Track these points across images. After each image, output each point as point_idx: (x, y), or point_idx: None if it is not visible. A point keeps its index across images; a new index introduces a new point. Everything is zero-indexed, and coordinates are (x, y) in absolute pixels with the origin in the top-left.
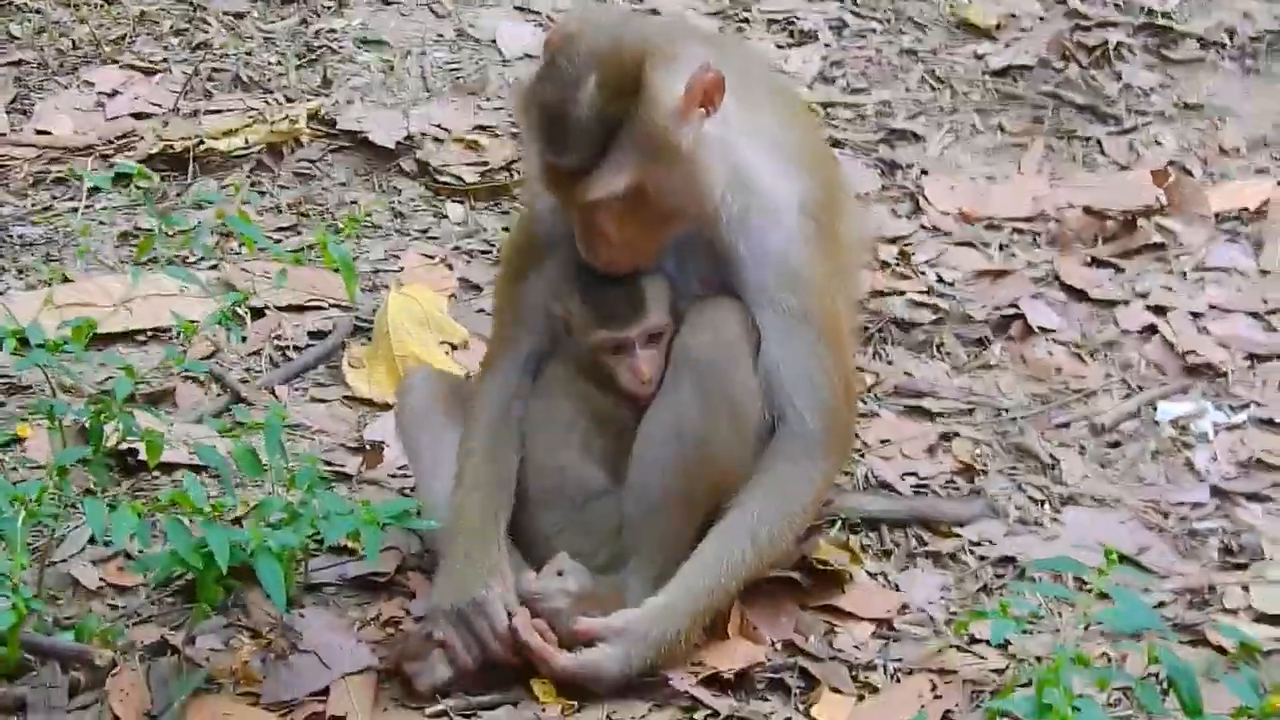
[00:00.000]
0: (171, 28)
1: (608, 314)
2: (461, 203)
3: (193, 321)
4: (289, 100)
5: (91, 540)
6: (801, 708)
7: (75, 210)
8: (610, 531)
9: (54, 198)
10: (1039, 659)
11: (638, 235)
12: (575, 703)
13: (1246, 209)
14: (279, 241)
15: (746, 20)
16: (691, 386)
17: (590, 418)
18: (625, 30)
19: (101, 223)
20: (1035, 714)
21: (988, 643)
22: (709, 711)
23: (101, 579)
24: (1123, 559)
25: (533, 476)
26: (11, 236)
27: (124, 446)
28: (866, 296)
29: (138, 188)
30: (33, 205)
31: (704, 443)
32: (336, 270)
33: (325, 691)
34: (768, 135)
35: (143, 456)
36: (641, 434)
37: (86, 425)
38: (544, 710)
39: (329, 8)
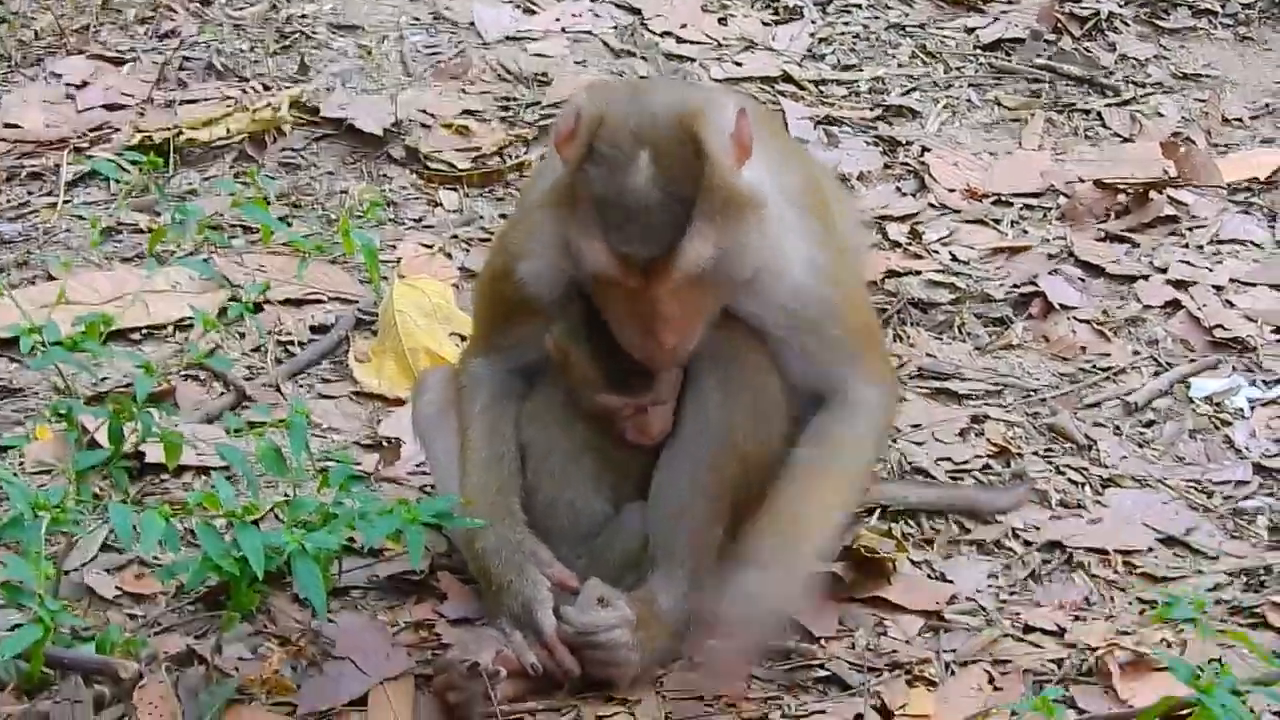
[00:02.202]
0: (136, 16)
1: (620, 380)
2: (455, 190)
3: (216, 316)
4: (266, 88)
5: (104, 547)
6: (874, 704)
7: (54, 206)
8: (626, 555)
9: (30, 193)
10: (1091, 648)
11: (698, 312)
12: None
13: (1257, 179)
14: (271, 233)
15: None
16: (713, 380)
17: (591, 449)
18: (651, 97)
19: (81, 218)
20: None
21: (1043, 631)
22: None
23: (118, 587)
24: (1171, 541)
25: (543, 512)
26: None
27: (129, 448)
28: (881, 277)
29: (118, 180)
30: (8, 201)
31: (729, 434)
32: (335, 261)
33: (364, 700)
34: (779, 182)
35: (150, 459)
36: (671, 441)
37: (85, 426)
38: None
39: None
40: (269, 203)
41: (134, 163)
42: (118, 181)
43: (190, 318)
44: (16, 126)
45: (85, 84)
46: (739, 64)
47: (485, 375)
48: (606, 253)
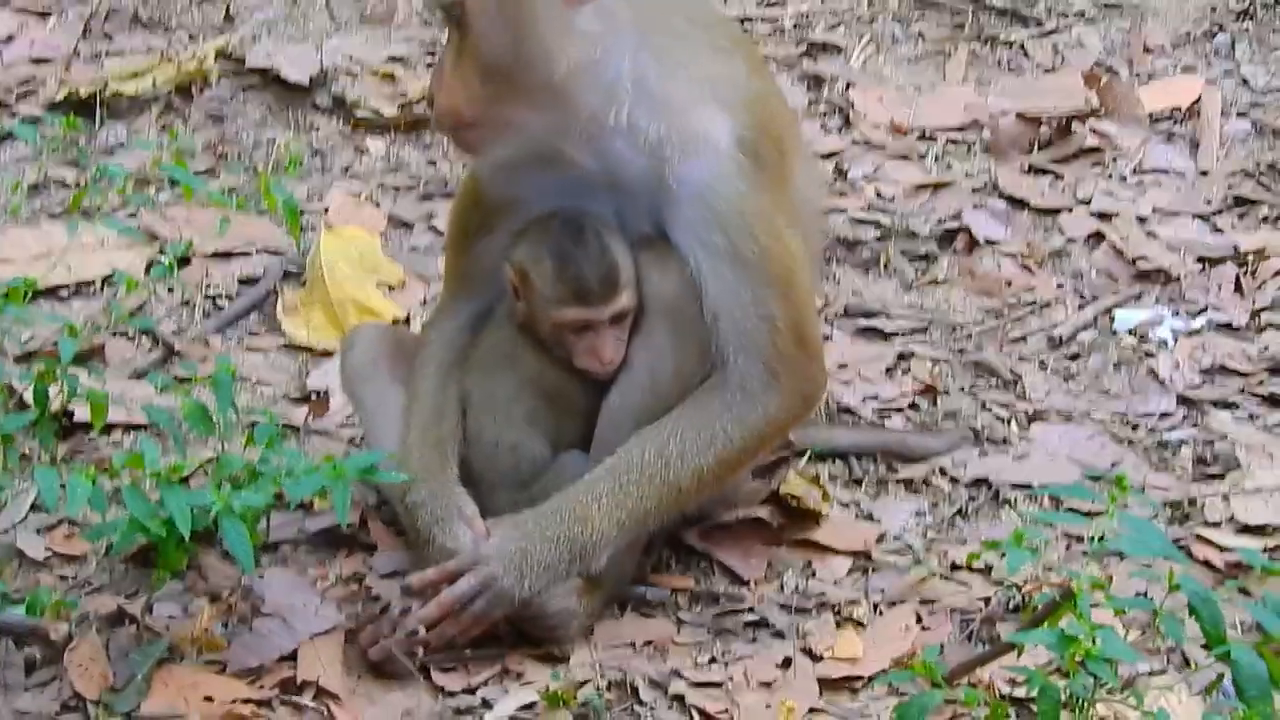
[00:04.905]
0: None
1: (579, 291)
2: (382, 137)
3: (144, 272)
4: (192, 38)
5: (34, 507)
6: (802, 647)
7: None
8: None
9: None
10: (1018, 586)
11: (470, 78)
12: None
13: (1178, 108)
14: (194, 191)
15: None
16: (666, 330)
17: (535, 390)
18: None
19: (9, 174)
20: (1059, 646)
21: (970, 569)
22: (703, 649)
23: (48, 548)
24: (1097, 476)
25: (483, 458)
26: None
27: (57, 407)
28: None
29: (43, 136)
30: None
31: (679, 385)
32: (263, 213)
33: (293, 655)
34: (692, 69)
35: (78, 418)
36: (616, 386)
37: (13, 387)
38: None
39: None
40: (193, 156)
41: (55, 123)
42: (35, 142)
43: (121, 272)
44: None
45: (10, 38)
46: None
47: (449, 330)
48: None
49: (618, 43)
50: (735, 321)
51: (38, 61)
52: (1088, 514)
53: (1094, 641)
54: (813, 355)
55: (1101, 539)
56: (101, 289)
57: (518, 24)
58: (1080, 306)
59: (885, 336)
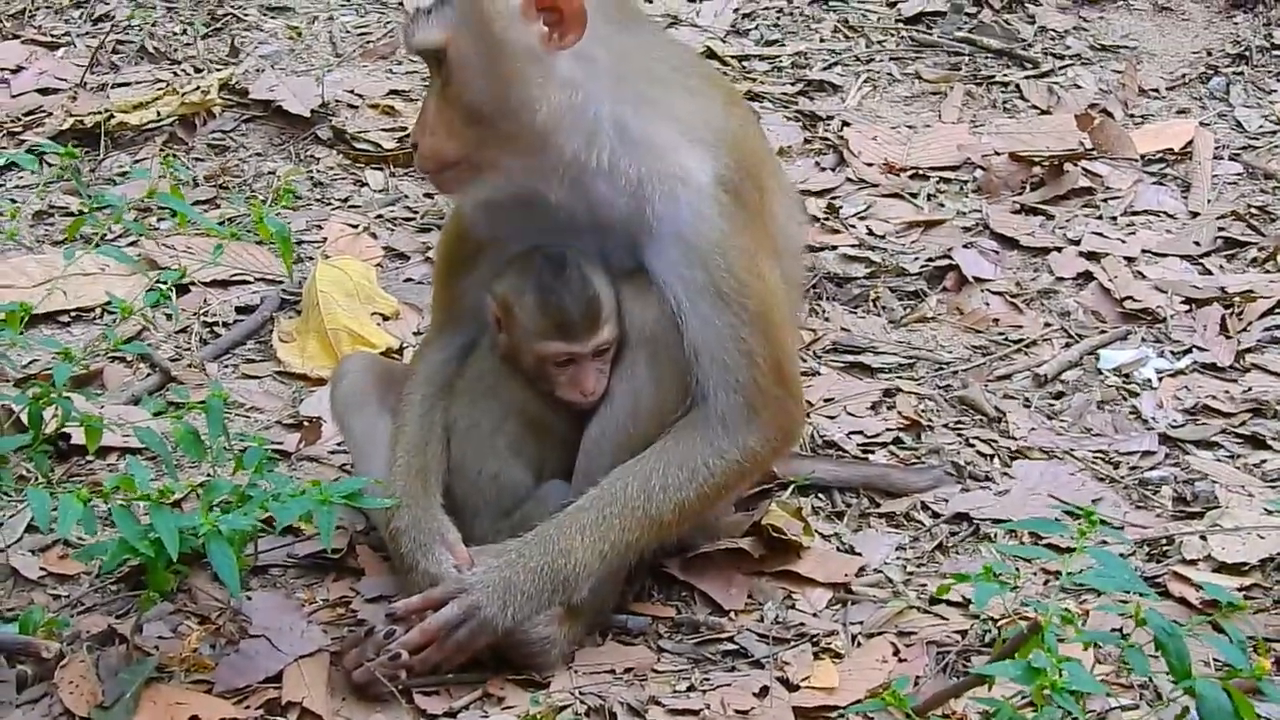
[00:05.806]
0: (72, 1)
1: (562, 325)
2: (381, 169)
3: (134, 302)
4: (197, 70)
5: (29, 528)
6: (779, 676)
7: None
8: None
9: None
10: (994, 620)
11: (452, 122)
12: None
13: (1171, 149)
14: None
15: None
16: (646, 362)
17: (518, 420)
18: None
19: (14, 201)
20: (1024, 679)
21: (947, 602)
22: (682, 677)
23: (42, 568)
24: (1075, 512)
25: (465, 486)
26: None
27: (55, 430)
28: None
29: (49, 164)
30: None
31: (659, 417)
32: (261, 243)
33: (279, 676)
34: (671, 111)
35: (76, 441)
36: (597, 416)
37: (13, 409)
38: (506, 688)
39: None
40: (196, 185)
41: (55, 152)
42: (36, 171)
43: (122, 299)
44: None
45: (20, 69)
46: None
47: (435, 361)
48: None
49: (597, 87)
50: (715, 357)
51: (45, 92)
52: (1063, 550)
53: (1060, 674)
54: (792, 391)
55: (1071, 574)
56: (101, 315)
57: (498, 69)
58: (1066, 345)
59: (871, 372)
